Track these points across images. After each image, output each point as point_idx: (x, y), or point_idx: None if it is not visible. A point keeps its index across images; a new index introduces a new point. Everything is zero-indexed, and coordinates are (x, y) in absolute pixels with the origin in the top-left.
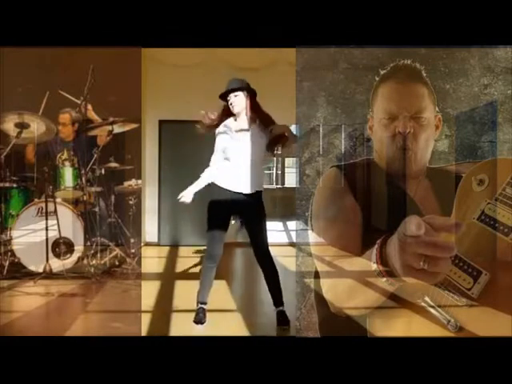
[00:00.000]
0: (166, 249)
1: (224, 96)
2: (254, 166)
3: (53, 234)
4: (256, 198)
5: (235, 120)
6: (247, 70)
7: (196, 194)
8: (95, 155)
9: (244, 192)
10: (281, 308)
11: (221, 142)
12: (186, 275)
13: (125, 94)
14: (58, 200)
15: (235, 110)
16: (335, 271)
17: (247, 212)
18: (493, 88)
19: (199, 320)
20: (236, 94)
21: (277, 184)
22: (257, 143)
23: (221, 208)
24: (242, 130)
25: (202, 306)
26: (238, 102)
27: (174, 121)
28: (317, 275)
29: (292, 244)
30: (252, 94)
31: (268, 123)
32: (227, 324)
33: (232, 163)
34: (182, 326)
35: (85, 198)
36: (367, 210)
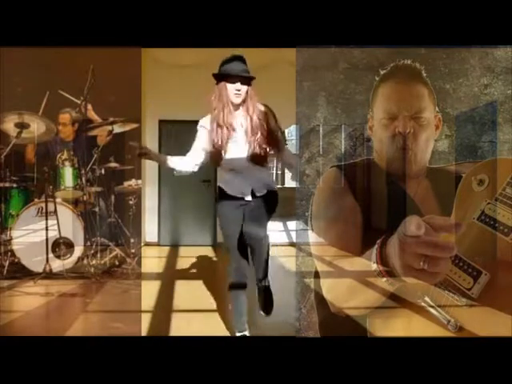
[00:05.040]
0: (166, 249)
1: (221, 77)
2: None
3: (53, 234)
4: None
5: (229, 112)
6: None
7: (196, 194)
8: (95, 155)
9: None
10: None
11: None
12: (186, 275)
13: (125, 93)
14: (58, 200)
15: (238, 100)
16: (335, 271)
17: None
18: (493, 88)
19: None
20: (245, 79)
21: (277, 184)
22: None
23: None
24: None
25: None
26: (244, 90)
27: (173, 121)
28: (317, 275)
29: (292, 244)
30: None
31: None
32: (227, 324)
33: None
34: (182, 326)
35: (85, 197)
36: (367, 210)
